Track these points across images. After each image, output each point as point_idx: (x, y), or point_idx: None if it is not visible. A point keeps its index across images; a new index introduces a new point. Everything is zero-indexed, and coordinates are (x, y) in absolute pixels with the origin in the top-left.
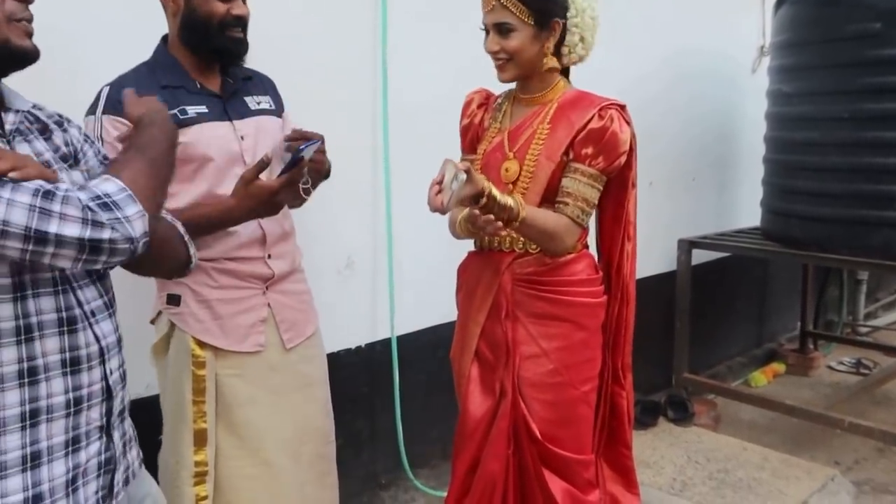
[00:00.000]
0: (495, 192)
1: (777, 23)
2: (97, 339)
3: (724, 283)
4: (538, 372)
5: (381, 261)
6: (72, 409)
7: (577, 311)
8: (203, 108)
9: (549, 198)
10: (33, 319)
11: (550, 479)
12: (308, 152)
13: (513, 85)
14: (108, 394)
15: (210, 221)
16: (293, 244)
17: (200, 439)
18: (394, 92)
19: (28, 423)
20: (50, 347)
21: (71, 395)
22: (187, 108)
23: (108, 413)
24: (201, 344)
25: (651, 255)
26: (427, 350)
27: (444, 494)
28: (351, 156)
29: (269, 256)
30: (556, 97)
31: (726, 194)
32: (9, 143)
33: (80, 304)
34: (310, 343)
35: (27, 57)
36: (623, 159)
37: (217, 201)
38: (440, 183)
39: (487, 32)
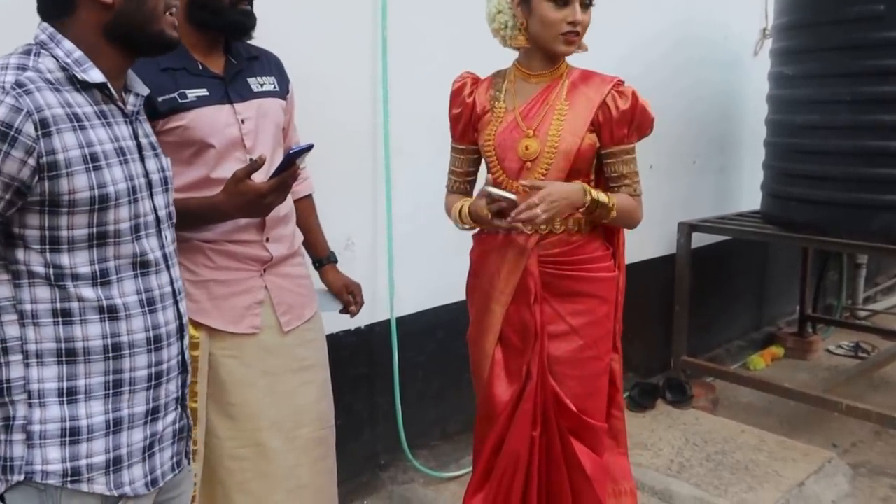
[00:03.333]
0: (595, 193)
1: (779, 5)
2: (179, 317)
3: (723, 267)
4: (569, 349)
5: (380, 242)
6: (153, 383)
7: (600, 285)
8: (203, 91)
9: (571, 174)
10: (118, 301)
11: (581, 453)
12: (300, 156)
13: (506, 64)
14: (183, 367)
15: (197, 215)
16: (292, 228)
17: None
18: (394, 71)
19: (111, 392)
20: (136, 326)
21: (153, 369)
22: (187, 91)
23: (183, 385)
24: (195, 325)
25: (651, 238)
26: (426, 331)
27: (443, 475)
28: (351, 136)
29: (268, 240)
30: (564, 73)
31: (727, 177)
32: (131, 122)
33: (160, 286)
34: (308, 326)
35: (172, 46)
36: (652, 125)
37: (206, 196)
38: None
39: (564, 4)
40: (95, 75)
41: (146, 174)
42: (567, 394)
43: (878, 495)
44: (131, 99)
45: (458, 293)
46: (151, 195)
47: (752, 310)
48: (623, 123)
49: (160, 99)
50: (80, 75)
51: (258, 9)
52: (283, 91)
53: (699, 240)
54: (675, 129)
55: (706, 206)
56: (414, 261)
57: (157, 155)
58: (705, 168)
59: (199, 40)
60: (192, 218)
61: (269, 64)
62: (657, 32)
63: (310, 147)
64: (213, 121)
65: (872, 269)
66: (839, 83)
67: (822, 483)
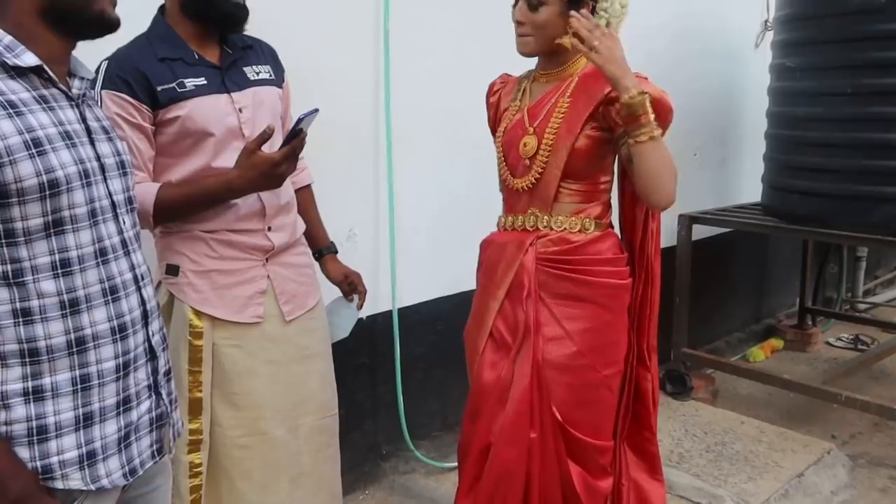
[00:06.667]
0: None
1: None
2: (143, 303)
3: (723, 259)
4: (561, 354)
5: (382, 233)
6: (121, 373)
7: (602, 292)
8: (202, 81)
9: (570, 173)
10: (80, 292)
11: (572, 467)
12: (307, 123)
13: (510, 58)
14: (151, 354)
15: (212, 194)
16: (293, 217)
17: (195, 408)
18: (396, 63)
19: (80, 387)
20: (99, 316)
21: (120, 359)
22: (185, 80)
23: (155, 372)
24: (199, 314)
25: None
26: (428, 322)
27: (444, 465)
28: (352, 128)
29: (269, 229)
30: (577, 71)
31: (727, 169)
32: (77, 106)
33: (121, 273)
34: (311, 315)
35: (112, 27)
36: (671, 116)
37: (218, 174)
38: None
39: (517, 2)
40: (28, 59)
41: (98, 158)
42: (555, 400)
43: (876, 486)
44: (76, 83)
45: (459, 284)
46: (105, 179)
47: (752, 302)
48: None
49: (159, 89)
50: (12, 61)
51: (262, 0)
52: (278, 79)
53: (699, 232)
54: (675, 121)
55: (706, 199)
56: (416, 252)
57: (110, 139)
58: (706, 160)
59: (194, 30)
60: (207, 199)
61: (264, 52)
62: (658, 24)
63: (315, 111)
64: (212, 109)
65: (872, 262)
66: (840, 75)
67: (821, 474)
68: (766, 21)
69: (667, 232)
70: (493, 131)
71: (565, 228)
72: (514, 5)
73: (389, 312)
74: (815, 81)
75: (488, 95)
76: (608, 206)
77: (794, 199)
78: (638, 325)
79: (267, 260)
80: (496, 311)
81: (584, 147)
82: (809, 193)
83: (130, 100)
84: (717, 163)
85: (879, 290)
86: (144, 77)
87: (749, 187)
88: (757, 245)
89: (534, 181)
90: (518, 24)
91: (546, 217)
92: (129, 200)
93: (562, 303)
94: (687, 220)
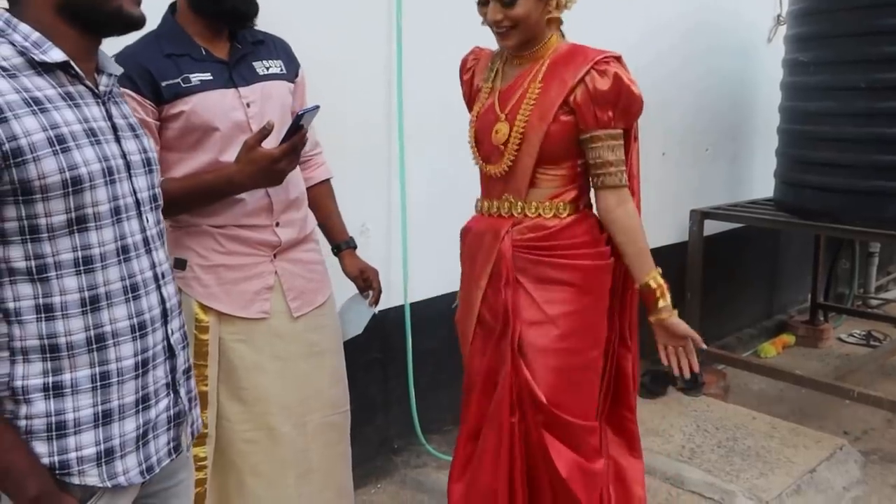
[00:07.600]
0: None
1: None
2: (162, 301)
3: (735, 255)
4: (543, 338)
5: (394, 228)
6: (140, 371)
7: (581, 274)
8: (207, 76)
9: (544, 159)
10: (101, 289)
11: (554, 448)
12: (308, 119)
13: None
14: (170, 353)
15: (212, 189)
16: (303, 213)
17: (200, 402)
18: (408, 58)
19: (99, 384)
20: (119, 314)
21: (140, 357)
22: (190, 76)
23: (173, 371)
24: (205, 308)
25: (663, 226)
26: (440, 317)
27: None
28: (365, 122)
29: (277, 224)
30: (548, 53)
31: (739, 165)
32: (103, 103)
33: (141, 271)
34: (321, 312)
35: (135, 24)
36: (641, 110)
37: (218, 169)
38: None
39: (485, 2)
40: (56, 55)
41: (123, 155)
42: (540, 384)
43: (889, 482)
44: (104, 80)
45: None
46: (130, 177)
47: (763, 298)
48: (606, 106)
49: (164, 84)
50: (40, 57)
51: None
52: (290, 74)
53: (711, 227)
54: (687, 116)
55: (718, 194)
56: (428, 247)
57: (137, 136)
58: (718, 156)
59: (203, 27)
60: (207, 194)
61: (276, 48)
62: (669, 20)
63: (316, 108)
64: (217, 104)
65: (885, 258)
66: (854, 70)
67: (833, 470)
68: (778, 15)
69: (678, 227)
70: (470, 108)
71: (540, 214)
72: (482, 6)
73: (401, 307)
74: (828, 76)
75: (462, 72)
76: (584, 188)
77: (807, 194)
78: (620, 305)
79: (275, 256)
80: (481, 299)
81: (557, 132)
82: (822, 189)
83: (133, 95)
84: (729, 158)
85: (892, 286)
86: (148, 73)
87: (761, 182)
88: (769, 240)
89: (507, 168)
90: (496, 22)
91: (521, 203)
92: (154, 198)
93: (542, 287)
94: (699, 216)
